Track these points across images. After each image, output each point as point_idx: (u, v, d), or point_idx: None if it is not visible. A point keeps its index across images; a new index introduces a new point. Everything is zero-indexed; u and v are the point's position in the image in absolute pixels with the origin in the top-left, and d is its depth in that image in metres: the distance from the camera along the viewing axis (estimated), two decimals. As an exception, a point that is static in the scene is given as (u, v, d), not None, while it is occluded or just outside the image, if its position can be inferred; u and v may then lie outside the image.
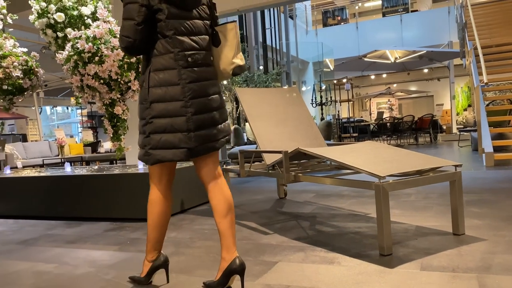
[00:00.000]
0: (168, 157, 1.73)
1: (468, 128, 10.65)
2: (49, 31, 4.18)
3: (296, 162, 3.59)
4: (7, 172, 4.55)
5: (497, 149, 6.52)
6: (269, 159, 3.24)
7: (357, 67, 14.57)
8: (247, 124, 8.04)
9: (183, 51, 1.74)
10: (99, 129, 16.39)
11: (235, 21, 2.00)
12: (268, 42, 13.07)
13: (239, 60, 1.93)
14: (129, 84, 3.83)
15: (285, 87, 14.05)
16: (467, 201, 3.36)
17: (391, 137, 12.56)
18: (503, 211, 2.96)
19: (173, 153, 1.72)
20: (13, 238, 3.11)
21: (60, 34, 4.19)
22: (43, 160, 8.80)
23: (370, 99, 20.99)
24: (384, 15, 17.82)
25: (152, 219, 1.86)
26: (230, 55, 1.90)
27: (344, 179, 2.42)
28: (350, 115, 13.86)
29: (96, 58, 3.60)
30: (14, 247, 2.85)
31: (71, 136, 15.40)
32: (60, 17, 4.11)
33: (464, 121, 13.18)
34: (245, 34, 11.56)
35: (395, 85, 21.09)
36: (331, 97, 11.19)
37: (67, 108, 24.12)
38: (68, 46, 3.76)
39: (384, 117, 13.55)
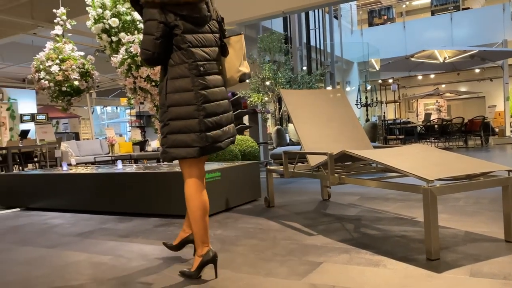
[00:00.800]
0: (182, 154, 1.95)
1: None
2: (104, 36, 4.41)
3: (341, 164, 3.59)
4: (65, 168, 4.84)
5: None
6: (314, 160, 3.26)
7: (404, 67, 14.19)
8: (289, 124, 8.07)
9: (196, 61, 1.97)
10: (146, 129, 16.97)
11: (241, 33, 2.24)
12: (312, 42, 13.02)
13: (245, 68, 2.18)
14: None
15: (329, 87, 13.94)
16: (521, 208, 3.22)
17: (439, 140, 12.15)
18: (560, 219, 2.82)
19: (186, 151, 1.94)
20: (71, 231, 3.32)
21: (114, 39, 4.41)
22: (94, 157, 9.23)
23: (417, 100, 20.37)
24: (433, 14, 17.25)
25: (193, 212, 2.00)
26: (237, 64, 2.15)
27: (391, 182, 2.41)
28: (396, 117, 13.54)
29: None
30: (72, 239, 3.05)
31: (120, 135, 16.03)
32: (114, 22, 4.32)
33: (519, 123, 12.51)
34: (289, 35, 11.57)
35: (443, 85, 20.34)
36: (376, 98, 10.99)
37: (116, 108, 25.12)
38: (122, 50, 3.95)
39: (432, 118, 13.13)
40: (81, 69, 4.57)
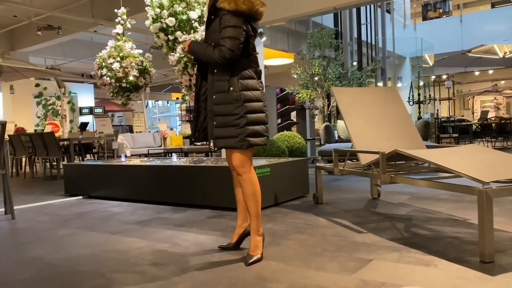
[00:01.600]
0: (258, 142, 2.27)
1: None
2: (161, 35, 4.62)
3: (392, 162, 3.57)
4: (123, 160, 5.13)
5: None
6: (365, 159, 3.27)
7: (459, 62, 13.64)
8: (339, 121, 8.02)
9: (258, 67, 2.35)
10: (196, 123, 17.36)
11: None
12: (363, 37, 12.78)
13: None
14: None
15: (380, 83, 13.64)
16: None
17: (496, 139, 11.59)
18: None
19: (261, 140, 2.28)
20: (130, 219, 3.55)
21: (170, 37, 4.60)
22: (148, 150, 9.64)
23: (473, 97, 19.47)
24: (493, 6, 16.38)
25: (258, 195, 2.31)
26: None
27: (444, 183, 2.39)
28: (450, 114, 13.04)
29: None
30: (132, 227, 3.26)
31: (171, 129, 16.59)
32: (171, 21, 4.51)
33: None
34: (339, 30, 11.44)
35: (502, 82, 19.28)
36: (429, 95, 10.64)
37: (167, 102, 25.92)
38: (179, 49, 4.12)
39: (489, 116, 12.53)
40: (140, 66, 4.82)
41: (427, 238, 2.59)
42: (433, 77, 16.18)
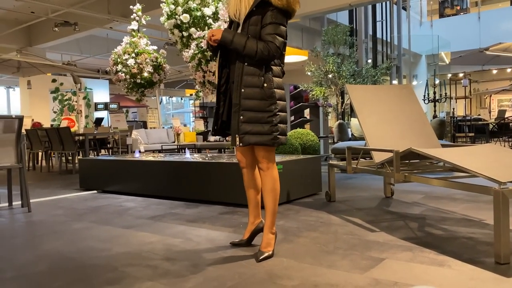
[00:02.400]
0: (284, 141, 2.29)
1: None
2: (176, 31, 4.64)
3: (406, 161, 3.54)
4: (137, 155, 5.18)
5: None
6: (378, 157, 3.24)
7: (477, 61, 13.40)
8: (352, 119, 7.97)
9: (283, 67, 2.35)
10: (209, 119, 17.46)
11: None
12: (379, 35, 12.66)
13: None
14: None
15: (395, 81, 13.51)
16: None
17: (513, 139, 11.37)
18: None
19: (285, 139, 2.29)
20: (144, 214, 3.58)
21: (185, 34, 4.63)
22: (161, 145, 9.71)
23: (491, 96, 19.15)
24: (512, 3, 16.05)
25: (278, 193, 2.34)
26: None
27: (459, 183, 2.36)
28: (466, 113, 12.85)
29: (217, 56, 3.92)
30: (145, 221, 3.29)
31: (185, 125, 16.69)
32: (185, 18, 4.53)
33: None
34: (354, 27, 11.35)
35: (522, 80, 18.89)
36: (445, 93, 10.49)
37: (181, 99, 26.05)
38: (193, 45, 4.14)
39: (506, 116, 12.30)
40: (154, 63, 4.85)
41: (441, 238, 2.56)
42: (449, 75, 15.93)
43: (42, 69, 10.84)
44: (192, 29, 4.53)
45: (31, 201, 4.05)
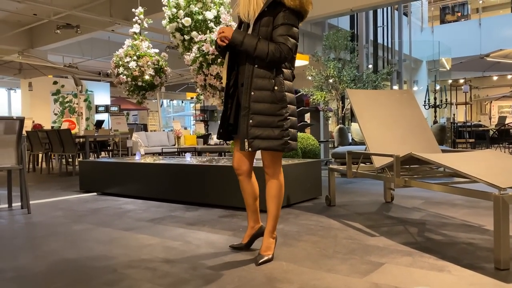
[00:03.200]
0: (294, 147, 2.22)
1: None
2: (177, 34, 4.66)
3: (407, 166, 3.54)
4: (137, 158, 5.18)
5: None
6: (379, 162, 3.25)
7: (477, 67, 13.43)
8: (353, 124, 7.98)
9: (293, 70, 2.30)
10: (210, 123, 17.48)
11: None
12: (380, 40, 12.69)
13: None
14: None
15: (395, 86, 13.53)
16: None
17: (514, 145, 11.36)
18: None
19: (295, 144, 2.23)
20: (143, 216, 3.58)
21: (186, 37, 4.64)
22: (162, 148, 9.71)
23: (491, 102, 19.15)
24: (513, 10, 16.10)
25: (282, 199, 2.31)
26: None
27: (459, 188, 2.36)
28: (467, 119, 12.86)
29: (219, 60, 3.93)
30: (145, 224, 3.29)
31: (185, 128, 16.71)
32: (187, 21, 4.55)
33: None
34: (355, 32, 11.38)
35: (522, 87, 18.91)
36: (446, 99, 10.51)
37: (182, 102, 26.08)
38: (195, 49, 4.16)
39: (506, 122, 12.31)
40: (156, 66, 4.86)
41: (440, 243, 2.56)
42: (450, 81, 15.96)
43: (43, 71, 10.87)
44: (194, 33, 4.55)
45: (31, 202, 4.05)
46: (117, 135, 8.24)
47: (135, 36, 5.08)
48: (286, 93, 2.18)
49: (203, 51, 4.01)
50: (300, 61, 11.46)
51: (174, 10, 4.61)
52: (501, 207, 2.02)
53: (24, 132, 3.98)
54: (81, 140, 8.17)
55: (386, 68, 10.45)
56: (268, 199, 2.28)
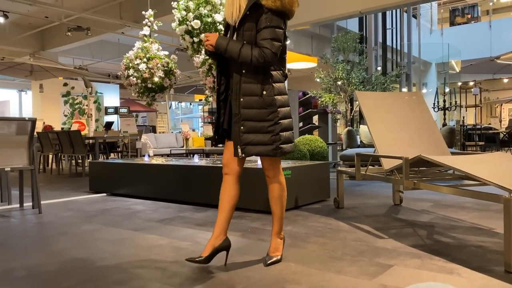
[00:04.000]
0: (289, 149, 2.20)
1: None
2: (187, 37, 4.69)
3: (415, 169, 3.53)
4: (146, 159, 5.22)
5: None
6: (388, 164, 3.24)
7: (487, 69, 13.31)
8: (361, 126, 7.96)
9: (285, 70, 2.27)
10: (218, 125, 17.49)
11: None
12: (388, 42, 12.65)
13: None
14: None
15: (404, 89, 13.46)
16: None
17: (524, 148, 11.24)
18: None
19: (290, 146, 2.21)
20: (153, 217, 3.61)
21: (195, 40, 4.67)
22: (170, 150, 9.76)
23: (501, 105, 18.97)
24: (524, 12, 15.96)
25: (285, 200, 2.34)
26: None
27: (469, 190, 2.35)
28: (477, 122, 12.76)
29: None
30: (154, 224, 3.31)
31: (193, 130, 16.77)
32: (196, 24, 4.58)
33: None
34: (364, 35, 11.36)
35: (533, 90, 18.73)
36: (455, 102, 10.45)
37: (190, 104, 26.19)
38: (204, 51, 4.18)
39: (517, 125, 12.17)
40: (165, 68, 4.90)
41: (450, 246, 2.54)
42: (460, 83, 15.85)
43: (54, 73, 10.98)
44: (203, 35, 4.57)
45: (41, 202, 4.09)
46: (126, 137, 8.30)
47: (145, 39, 5.12)
48: (276, 97, 2.15)
49: (212, 53, 4.04)
50: (309, 63, 11.49)
51: (184, 12, 4.65)
52: (511, 210, 2.01)
53: (34, 133, 4.03)
54: (91, 141, 8.24)
55: (395, 70, 10.41)
56: (272, 201, 2.31)
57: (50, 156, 9.06)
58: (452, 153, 3.57)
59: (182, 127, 10.55)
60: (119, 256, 2.46)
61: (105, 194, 5.04)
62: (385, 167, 3.25)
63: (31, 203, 4.21)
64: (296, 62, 11.20)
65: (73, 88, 13.40)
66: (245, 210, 3.78)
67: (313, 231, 2.99)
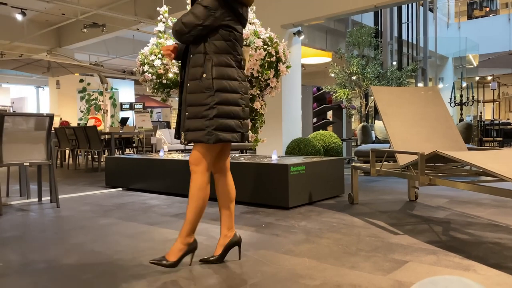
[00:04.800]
0: (228, 138, 2.05)
1: None
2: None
3: (431, 164, 3.49)
4: (162, 154, 5.27)
5: None
6: (403, 159, 3.21)
7: (506, 63, 13.03)
8: (376, 122, 7.89)
9: (238, 55, 2.14)
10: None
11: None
12: (404, 37, 12.48)
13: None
14: (268, 81, 4.12)
15: (420, 84, 13.29)
16: None
17: (544, 144, 11.01)
18: None
19: (231, 136, 2.07)
20: (168, 211, 3.65)
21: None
22: (184, 145, 9.82)
23: (520, 100, 18.57)
24: (545, 4, 15.57)
25: (202, 203, 2.09)
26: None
27: (487, 187, 2.32)
28: (495, 117, 12.54)
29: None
30: (169, 219, 3.35)
31: (207, 125, 16.84)
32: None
33: None
34: (379, 29, 11.23)
35: (553, 84, 18.30)
36: (472, 97, 10.28)
37: (204, 99, 26.25)
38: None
39: (537, 120, 11.92)
40: (180, 64, 4.92)
41: (466, 243, 2.52)
42: (477, 78, 15.58)
43: (70, 69, 11.12)
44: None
45: (59, 197, 4.17)
46: (141, 132, 8.38)
47: (160, 35, 5.14)
48: (215, 80, 2.02)
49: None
50: (323, 58, 11.41)
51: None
52: (529, 206, 1.98)
53: (52, 129, 4.11)
54: (107, 136, 8.35)
55: (411, 65, 10.28)
56: (188, 198, 2.10)
57: (67, 151, 9.21)
58: (469, 149, 3.52)
59: (196, 122, 10.59)
60: (136, 249, 2.50)
61: (120, 189, 5.11)
62: (401, 163, 3.22)
63: (49, 197, 4.29)
64: (311, 57, 11.14)
65: (89, 84, 13.55)
66: (259, 205, 3.80)
67: (327, 227, 2.99)
